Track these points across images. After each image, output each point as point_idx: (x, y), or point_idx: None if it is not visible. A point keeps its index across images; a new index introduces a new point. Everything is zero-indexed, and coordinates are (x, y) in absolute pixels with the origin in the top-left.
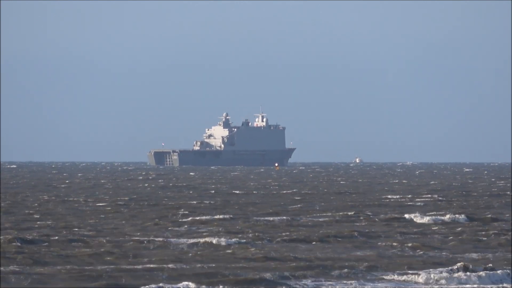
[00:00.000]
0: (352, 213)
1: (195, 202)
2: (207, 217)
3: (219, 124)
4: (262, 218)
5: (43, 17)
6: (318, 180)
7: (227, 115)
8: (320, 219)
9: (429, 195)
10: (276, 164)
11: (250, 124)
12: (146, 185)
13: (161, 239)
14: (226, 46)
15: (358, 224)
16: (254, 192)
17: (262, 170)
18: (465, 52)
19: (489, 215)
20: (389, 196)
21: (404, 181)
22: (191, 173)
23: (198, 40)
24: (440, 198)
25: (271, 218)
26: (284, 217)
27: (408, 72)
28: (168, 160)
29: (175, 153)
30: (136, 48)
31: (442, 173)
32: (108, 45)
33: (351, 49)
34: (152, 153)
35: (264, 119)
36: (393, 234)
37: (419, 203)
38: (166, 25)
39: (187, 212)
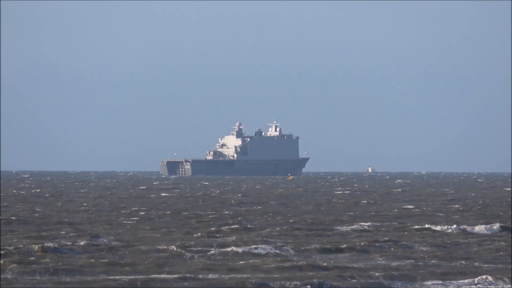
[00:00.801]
0: (371, 223)
1: (214, 211)
2: (229, 227)
3: (232, 134)
4: (284, 228)
5: (52, 31)
6: (334, 189)
7: (240, 124)
8: (340, 228)
9: (450, 205)
10: (289, 174)
11: (263, 133)
12: (163, 194)
13: (184, 248)
14: (239, 56)
15: (378, 233)
16: (271, 202)
17: (276, 179)
18: (474, 62)
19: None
20: (408, 206)
21: (418, 192)
22: (205, 183)
23: (211, 49)
24: (459, 208)
25: (292, 227)
26: (304, 227)
27: (419, 83)
28: (180, 169)
29: (187, 163)
30: (150, 59)
31: (457, 183)
32: (123, 56)
33: (364, 59)
34: (165, 163)
35: (278, 129)
36: (415, 243)
37: (439, 213)
38: (179, 35)
39: (208, 221)
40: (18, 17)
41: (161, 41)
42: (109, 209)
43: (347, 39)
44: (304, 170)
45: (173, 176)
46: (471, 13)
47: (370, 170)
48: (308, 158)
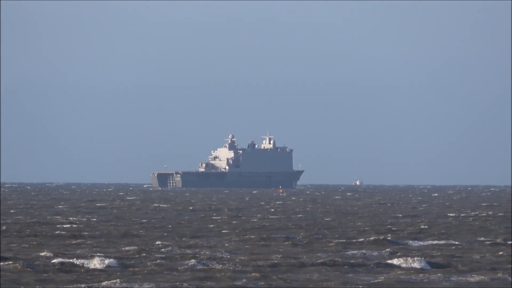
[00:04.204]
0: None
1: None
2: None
3: (225, 146)
4: (325, 240)
5: (47, 41)
6: (341, 203)
7: (233, 137)
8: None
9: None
10: (280, 187)
11: (256, 146)
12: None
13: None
14: (233, 68)
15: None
16: (293, 216)
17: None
18: (470, 74)
19: None
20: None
21: (424, 205)
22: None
23: (204, 61)
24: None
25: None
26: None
27: (414, 95)
28: (171, 181)
29: (178, 175)
30: (142, 72)
31: (467, 196)
32: (114, 69)
33: (360, 71)
34: (156, 175)
35: (271, 141)
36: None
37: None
38: (172, 46)
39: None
40: (16, 25)
41: (153, 53)
42: (140, 221)
43: (342, 53)
44: (298, 182)
45: (158, 188)
46: (471, 14)
47: (358, 183)
48: (302, 171)
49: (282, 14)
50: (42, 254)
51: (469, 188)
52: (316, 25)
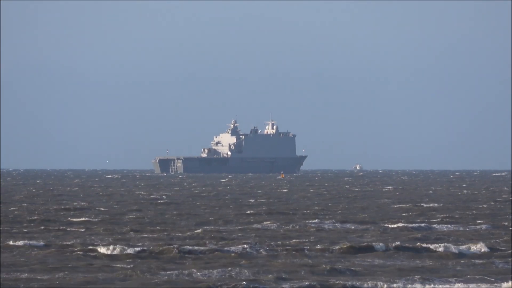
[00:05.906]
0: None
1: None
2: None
3: (227, 132)
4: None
5: (48, 29)
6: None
7: (235, 122)
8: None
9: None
10: (282, 172)
11: (259, 131)
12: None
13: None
14: (236, 54)
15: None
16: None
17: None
18: (468, 59)
19: None
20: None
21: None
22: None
23: (208, 47)
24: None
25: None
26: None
27: (415, 82)
28: (173, 167)
29: (179, 160)
30: (145, 58)
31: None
32: (118, 56)
33: (362, 57)
34: (157, 161)
35: (274, 127)
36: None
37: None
38: (175, 33)
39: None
40: (16, 18)
41: (156, 40)
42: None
43: (344, 38)
44: (301, 168)
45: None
46: (471, 13)
47: (358, 167)
48: (305, 156)
49: (284, 5)
50: (66, 242)
51: (475, 173)
52: (318, 16)
